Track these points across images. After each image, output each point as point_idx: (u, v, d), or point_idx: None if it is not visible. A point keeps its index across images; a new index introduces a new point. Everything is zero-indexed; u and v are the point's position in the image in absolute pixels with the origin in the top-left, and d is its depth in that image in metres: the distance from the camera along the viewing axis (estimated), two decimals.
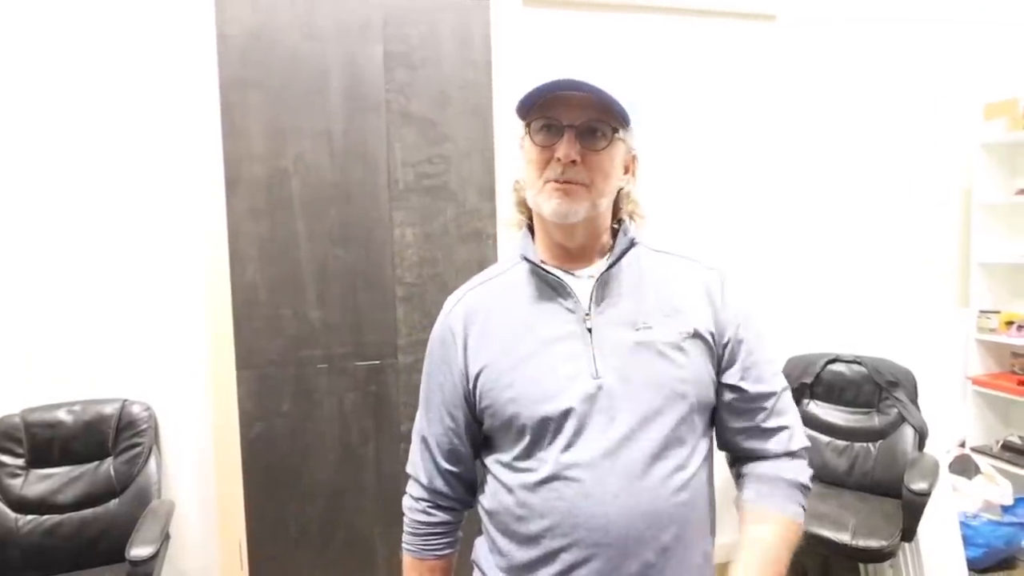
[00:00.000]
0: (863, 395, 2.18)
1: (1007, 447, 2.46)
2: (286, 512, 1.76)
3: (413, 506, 0.84)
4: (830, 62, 2.37)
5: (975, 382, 2.53)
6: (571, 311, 0.75)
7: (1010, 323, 2.45)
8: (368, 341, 1.83)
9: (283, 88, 1.71)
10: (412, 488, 0.85)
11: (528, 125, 0.75)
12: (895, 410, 2.12)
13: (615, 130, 0.73)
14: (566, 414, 0.70)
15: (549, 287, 0.77)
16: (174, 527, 1.60)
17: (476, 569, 0.83)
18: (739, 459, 0.83)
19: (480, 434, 0.81)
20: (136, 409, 1.67)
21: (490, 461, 0.79)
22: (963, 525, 2.15)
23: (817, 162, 2.37)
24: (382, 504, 1.83)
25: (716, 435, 0.82)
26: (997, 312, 2.49)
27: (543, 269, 0.77)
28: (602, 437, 0.70)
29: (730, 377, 0.78)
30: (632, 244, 0.79)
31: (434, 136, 1.85)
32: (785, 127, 2.31)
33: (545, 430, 0.71)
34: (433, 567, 0.84)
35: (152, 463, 1.65)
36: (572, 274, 0.78)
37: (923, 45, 2.48)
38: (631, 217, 0.83)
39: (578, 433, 0.70)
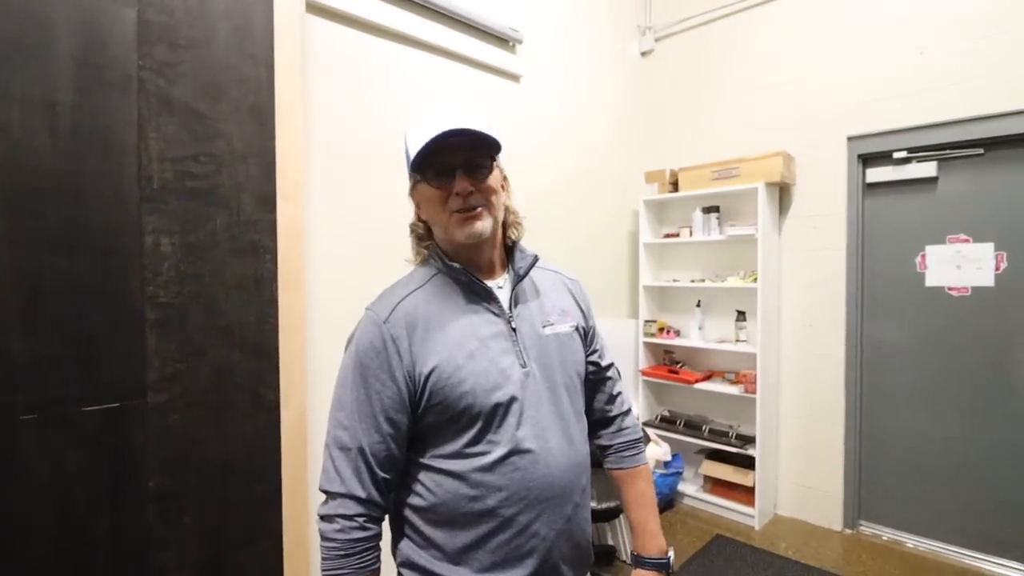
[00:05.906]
0: None
1: (663, 419, 3.38)
2: None
3: (347, 525, 0.79)
4: (562, 124, 2.93)
5: (643, 373, 3.41)
6: (497, 314, 0.90)
7: (662, 329, 3.40)
8: (103, 378, 1.42)
9: None
10: (342, 507, 0.80)
11: (423, 173, 0.87)
12: None
13: (492, 159, 0.90)
14: (512, 400, 0.85)
15: (476, 295, 0.90)
16: None
17: (411, 569, 0.85)
18: (593, 425, 1.08)
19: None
20: None
21: (427, 458, 0.85)
22: None
23: (538, 207, 2.88)
24: None
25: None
26: (655, 321, 3.42)
27: (475, 279, 0.89)
28: (539, 413, 0.87)
29: (591, 356, 1.04)
30: (535, 262, 0.97)
31: (202, 131, 1.58)
32: (521, 172, 2.74)
33: (495, 415, 0.83)
34: None
35: None
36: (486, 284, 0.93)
37: (607, 122, 3.29)
38: (515, 228, 0.99)
39: (522, 413, 0.85)
